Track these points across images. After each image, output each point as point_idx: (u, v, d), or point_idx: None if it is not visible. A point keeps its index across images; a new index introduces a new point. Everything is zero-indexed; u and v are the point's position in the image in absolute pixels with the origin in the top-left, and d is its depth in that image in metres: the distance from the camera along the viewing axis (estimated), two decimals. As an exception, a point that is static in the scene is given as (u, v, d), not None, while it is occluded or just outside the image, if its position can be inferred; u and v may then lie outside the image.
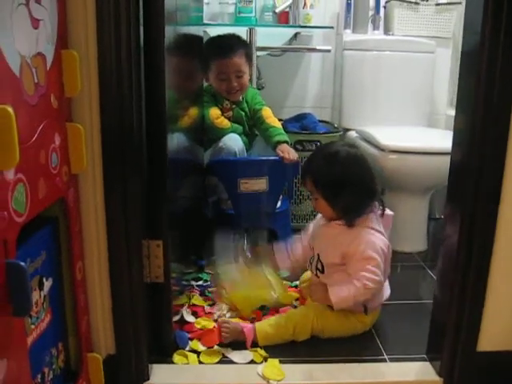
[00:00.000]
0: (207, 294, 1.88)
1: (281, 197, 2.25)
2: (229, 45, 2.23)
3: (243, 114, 2.30)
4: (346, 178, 1.58)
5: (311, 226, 1.81)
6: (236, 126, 2.26)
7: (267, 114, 2.30)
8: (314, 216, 2.49)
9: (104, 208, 1.25)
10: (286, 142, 2.17)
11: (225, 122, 2.24)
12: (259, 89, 2.58)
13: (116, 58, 1.18)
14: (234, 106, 2.28)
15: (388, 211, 1.68)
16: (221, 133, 2.21)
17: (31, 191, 0.93)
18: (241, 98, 2.29)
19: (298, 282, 1.95)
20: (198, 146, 2.12)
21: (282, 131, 2.23)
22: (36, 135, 0.96)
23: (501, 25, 1.21)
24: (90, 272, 1.28)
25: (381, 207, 1.65)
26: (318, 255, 1.66)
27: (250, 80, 2.33)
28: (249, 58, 2.26)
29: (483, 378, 1.44)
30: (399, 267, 2.22)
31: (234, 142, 2.17)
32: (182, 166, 1.72)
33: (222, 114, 2.26)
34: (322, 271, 1.65)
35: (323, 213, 1.68)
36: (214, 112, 2.23)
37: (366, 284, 1.52)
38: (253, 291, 1.74)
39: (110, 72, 1.18)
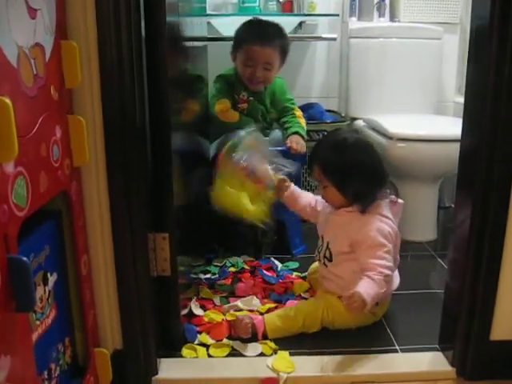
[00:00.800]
0: (216, 287, 1.87)
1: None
2: (267, 33, 2.14)
3: (261, 108, 2.23)
4: (355, 164, 1.56)
5: (319, 198, 1.77)
6: (247, 119, 2.16)
7: (300, 114, 2.24)
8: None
9: (108, 201, 1.24)
10: (302, 137, 2.13)
11: (232, 116, 2.16)
12: None
13: (117, 48, 1.16)
14: (251, 98, 2.20)
15: (399, 200, 1.66)
16: (228, 126, 2.12)
17: (32, 184, 0.92)
18: (262, 88, 2.22)
19: (306, 273, 1.93)
20: (203, 138, 2.09)
21: (303, 127, 2.18)
22: (36, 127, 0.94)
23: (510, 8, 1.18)
24: (95, 266, 1.27)
25: (393, 194, 1.64)
26: (328, 243, 1.65)
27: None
28: (283, 53, 2.15)
29: (496, 367, 1.42)
30: (409, 257, 2.20)
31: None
32: (187, 157, 1.70)
33: (237, 105, 2.20)
34: (330, 259, 1.63)
35: (332, 201, 1.66)
36: (220, 106, 2.15)
37: (383, 272, 1.49)
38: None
39: (111, 62, 1.16)
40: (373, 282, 1.48)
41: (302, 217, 1.88)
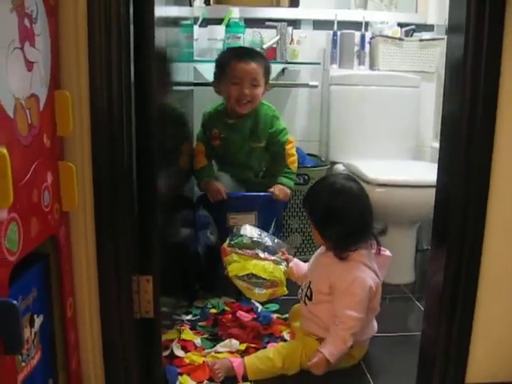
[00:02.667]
0: (198, 328, 1.88)
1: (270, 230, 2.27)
2: (250, 51, 2.21)
3: (237, 140, 2.22)
4: (334, 210, 1.61)
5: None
6: (209, 171, 2.20)
7: (290, 147, 2.23)
8: (303, 249, 2.54)
9: (95, 244, 1.27)
10: (289, 188, 2.18)
11: (198, 163, 2.20)
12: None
13: (107, 98, 1.21)
14: (222, 135, 2.21)
15: (386, 252, 1.70)
16: (197, 174, 2.19)
17: (24, 230, 0.95)
18: (248, 112, 2.18)
19: (287, 315, 1.95)
20: (188, 180, 2.13)
21: (293, 175, 2.21)
22: (29, 174, 0.98)
23: (481, 60, 1.26)
24: (80, 309, 1.28)
25: (377, 245, 1.69)
26: (310, 282, 1.69)
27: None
28: (266, 73, 2.17)
29: (472, 410, 1.45)
30: (387, 299, 2.23)
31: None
32: (172, 200, 1.74)
33: (211, 142, 2.23)
34: (310, 298, 1.67)
35: (318, 241, 1.73)
36: (196, 150, 2.23)
37: (350, 328, 1.56)
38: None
39: (102, 111, 1.21)
40: (338, 339, 1.56)
41: None
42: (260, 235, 1.86)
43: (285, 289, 1.78)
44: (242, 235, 1.84)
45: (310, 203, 1.68)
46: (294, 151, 2.26)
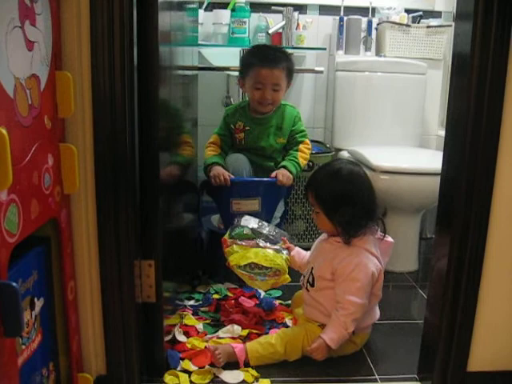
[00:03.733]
0: (200, 313, 1.88)
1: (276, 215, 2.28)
2: (273, 55, 2.21)
3: (262, 135, 2.24)
4: (346, 194, 1.61)
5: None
6: (218, 158, 2.19)
7: (305, 147, 2.26)
8: (306, 235, 2.53)
9: (96, 228, 1.26)
10: (291, 172, 2.16)
11: (210, 152, 2.22)
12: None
13: (109, 80, 1.20)
14: (247, 128, 2.24)
15: (389, 238, 1.70)
16: (205, 161, 2.19)
17: (24, 212, 0.94)
18: (270, 111, 2.24)
19: (290, 302, 1.95)
20: (191, 165, 2.12)
21: (298, 163, 2.21)
22: (29, 156, 0.97)
23: (489, 48, 1.24)
24: (81, 292, 1.28)
25: (382, 231, 1.68)
26: (312, 268, 1.69)
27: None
28: (289, 74, 2.21)
29: (474, 398, 1.44)
30: (391, 287, 2.23)
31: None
32: (175, 185, 1.73)
33: (234, 135, 2.25)
34: (313, 285, 1.66)
35: (322, 227, 1.71)
36: (209, 142, 2.26)
37: (352, 314, 1.55)
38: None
39: (104, 93, 1.20)
40: (339, 325, 1.55)
41: None
42: (261, 225, 1.85)
43: (287, 276, 1.77)
44: (242, 226, 1.83)
45: (317, 189, 1.66)
46: (307, 151, 2.27)
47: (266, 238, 1.81)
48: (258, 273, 1.74)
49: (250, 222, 1.85)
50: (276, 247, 1.80)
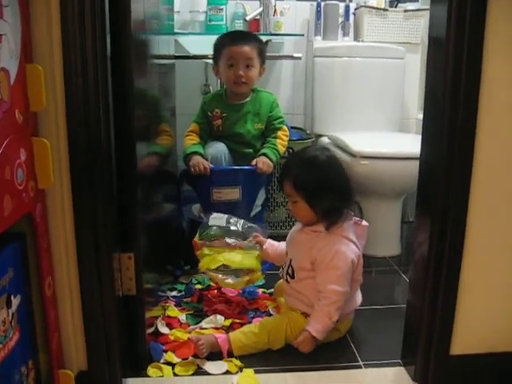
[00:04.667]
0: (183, 304, 1.87)
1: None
2: (242, 34, 2.27)
3: (239, 121, 2.23)
4: (326, 181, 1.61)
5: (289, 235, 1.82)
6: (197, 147, 2.17)
7: (282, 133, 2.26)
8: (288, 223, 2.53)
9: (73, 222, 1.24)
10: (269, 158, 2.16)
11: (189, 141, 2.21)
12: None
13: (82, 71, 1.18)
14: (224, 114, 2.23)
15: (363, 222, 1.70)
16: (185, 150, 2.18)
17: (-4, 208, 0.92)
18: (246, 96, 2.25)
19: (272, 290, 1.95)
20: (170, 155, 2.10)
21: (277, 150, 2.21)
22: (0, 151, 0.95)
23: (464, 30, 1.24)
24: (59, 288, 1.27)
25: (359, 216, 1.68)
26: (290, 260, 1.68)
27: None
28: (261, 54, 2.21)
29: (457, 380, 1.46)
30: (373, 272, 2.24)
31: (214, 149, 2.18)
32: (154, 175, 1.71)
33: (212, 122, 2.24)
34: (293, 276, 1.66)
35: (301, 217, 1.69)
36: (188, 131, 2.24)
37: (335, 302, 1.55)
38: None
39: (76, 85, 1.18)
40: (323, 315, 1.56)
41: None
42: (230, 222, 1.83)
43: (259, 274, 1.79)
44: (209, 226, 1.82)
45: (296, 177, 1.64)
46: (285, 138, 2.27)
47: (236, 235, 1.80)
48: (229, 272, 1.74)
49: (218, 220, 1.83)
50: (246, 243, 1.79)
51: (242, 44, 2.16)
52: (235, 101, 2.25)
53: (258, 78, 2.24)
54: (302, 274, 1.64)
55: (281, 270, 1.75)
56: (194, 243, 1.83)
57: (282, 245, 1.81)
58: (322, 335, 1.56)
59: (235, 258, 1.75)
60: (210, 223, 1.83)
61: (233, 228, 1.82)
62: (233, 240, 1.78)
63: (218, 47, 2.22)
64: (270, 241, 1.84)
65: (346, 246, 1.61)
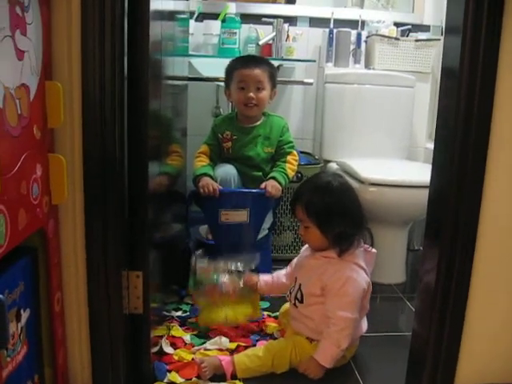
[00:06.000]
0: (187, 324, 1.87)
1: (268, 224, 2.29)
2: (253, 58, 2.32)
3: (250, 144, 2.24)
4: (339, 207, 1.61)
5: (295, 259, 1.82)
6: (206, 169, 2.17)
7: (292, 158, 2.27)
8: (294, 247, 2.53)
9: (84, 239, 1.25)
10: (279, 182, 2.17)
11: (199, 162, 2.21)
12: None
13: (100, 90, 1.19)
14: (234, 137, 2.25)
15: (372, 249, 1.70)
16: (195, 171, 2.19)
17: (11, 222, 0.93)
18: (257, 119, 2.26)
19: (278, 313, 1.95)
20: (180, 175, 2.12)
21: (286, 174, 2.21)
22: (18, 166, 0.97)
23: (478, 62, 1.25)
24: (68, 303, 1.27)
25: (369, 242, 1.68)
26: (300, 285, 1.67)
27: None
28: (272, 78, 2.23)
29: (461, 412, 1.44)
30: (378, 299, 2.23)
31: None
32: (164, 195, 1.72)
33: (222, 144, 2.26)
34: (301, 301, 1.65)
35: (312, 242, 1.69)
36: (198, 152, 2.26)
37: (344, 330, 1.55)
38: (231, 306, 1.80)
39: (94, 103, 1.19)
40: (331, 343, 1.55)
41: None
42: (217, 264, 1.84)
43: (258, 312, 1.84)
44: (199, 274, 1.84)
45: (308, 203, 1.63)
46: (295, 163, 2.28)
47: (228, 273, 1.82)
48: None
49: (205, 264, 1.84)
50: (239, 289, 1.80)
51: (252, 67, 2.18)
52: (246, 124, 2.26)
53: (269, 101, 2.26)
54: (311, 299, 1.63)
55: (288, 293, 1.74)
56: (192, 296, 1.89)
57: (278, 276, 1.82)
58: (331, 364, 1.55)
59: (228, 317, 1.80)
60: (198, 270, 1.84)
61: (220, 270, 1.83)
62: (226, 281, 1.79)
63: (230, 71, 2.24)
64: (262, 278, 1.84)
65: (357, 273, 1.61)
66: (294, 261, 1.82)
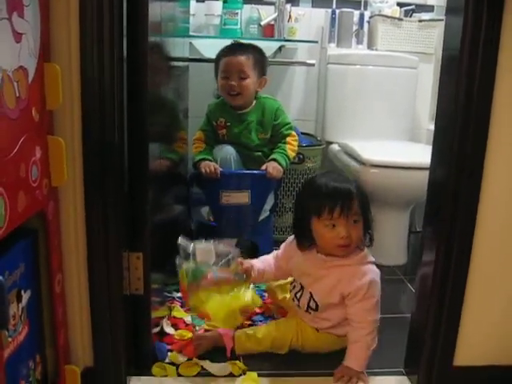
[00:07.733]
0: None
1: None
2: (239, 46, 2.27)
3: (244, 130, 2.24)
4: (369, 203, 1.59)
5: (284, 253, 1.72)
6: (205, 154, 2.18)
7: (292, 139, 2.26)
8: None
9: (84, 220, 1.26)
10: (280, 163, 2.17)
11: (196, 148, 2.22)
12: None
13: (98, 71, 1.19)
14: (228, 124, 2.25)
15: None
16: (194, 157, 2.19)
17: (10, 204, 0.94)
18: (246, 107, 2.24)
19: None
20: (181, 157, 2.12)
21: (287, 155, 2.21)
22: (16, 148, 0.97)
23: (479, 43, 1.24)
24: (69, 285, 1.28)
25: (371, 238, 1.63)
26: (311, 294, 1.61)
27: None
28: (258, 65, 2.21)
29: (460, 392, 1.46)
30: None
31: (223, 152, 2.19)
32: (164, 176, 1.73)
33: (217, 132, 2.25)
34: (316, 309, 1.61)
35: (356, 239, 1.55)
36: (194, 139, 2.26)
37: (373, 330, 1.53)
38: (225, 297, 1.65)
39: (93, 84, 1.19)
40: (363, 347, 1.52)
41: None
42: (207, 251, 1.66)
43: (258, 303, 1.68)
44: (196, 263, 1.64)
45: (362, 197, 1.56)
46: (295, 143, 2.27)
47: (221, 262, 1.65)
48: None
49: (203, 245, 1.67)
50: (233, 277, 1.62)
51: (235, 55, 2.17)
52: (237, 110, 2.25)
53: (258, 89, 2.24)
54: (328, 307, 1.59)
55: (294, 298, 1.68)
56: (182, 293, 1.69)
57: (270, 265, 1.72)
58: (364, 368, 1.53)
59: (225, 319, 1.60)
60: (199, 259, 1.64)
61: (212, 261, 1.64)
62: (219, 275, 1.61)
63: (217, 60, 2.23)
64: (253, 263, 1.69)
65: (375, 272, 1.58)
66: (285, 254, 1.71)
